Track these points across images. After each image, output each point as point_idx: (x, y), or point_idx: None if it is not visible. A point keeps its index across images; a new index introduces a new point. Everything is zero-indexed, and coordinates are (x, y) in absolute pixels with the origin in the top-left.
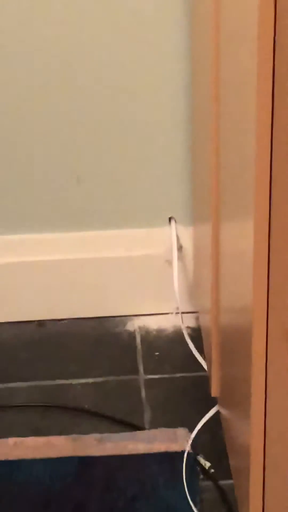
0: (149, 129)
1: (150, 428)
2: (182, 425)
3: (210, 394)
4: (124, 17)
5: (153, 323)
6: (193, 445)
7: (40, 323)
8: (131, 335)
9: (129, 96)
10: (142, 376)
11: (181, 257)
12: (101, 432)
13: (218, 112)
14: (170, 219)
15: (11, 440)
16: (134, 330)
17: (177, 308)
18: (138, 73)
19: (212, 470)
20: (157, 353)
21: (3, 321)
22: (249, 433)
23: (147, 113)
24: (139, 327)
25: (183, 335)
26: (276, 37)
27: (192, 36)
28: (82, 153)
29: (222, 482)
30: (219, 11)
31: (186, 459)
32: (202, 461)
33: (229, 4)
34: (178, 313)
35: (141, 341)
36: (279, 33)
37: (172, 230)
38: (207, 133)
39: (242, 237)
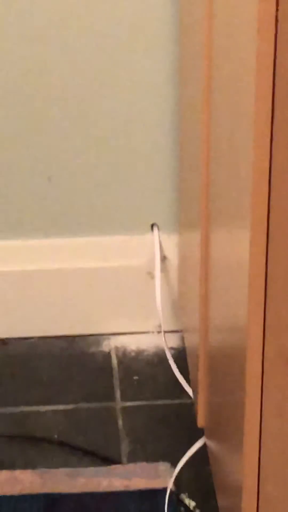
0: (130, 124)
1: (127, 462)
2: (164, 459)
3: (196, 424)
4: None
5: (131, 343)
6: (176, 482)
7: (3, 341)
8: (107, 356)
9: (109, 91)
10: (119, 403)
11: (164, 269)
12: (72, 466)
13: (210, 102)
14: (152, 225)
15: None
16: (110, 351)
17: (159, 326)
18: (119, 66)
19: (198, 511)
20: (136, 377)
21: None
22: (241, 469)
23: (128, 107)
24: (116, 347)
25: (166, 356)
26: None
27: (181, 36)
28: (54, 149)
29: None
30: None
31: (169, 498)
32: (187, 500)
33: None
34: (160, 332)
35: (118, 363)
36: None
37: (155, 238)
38: (197, 128)
39: (237, 245)
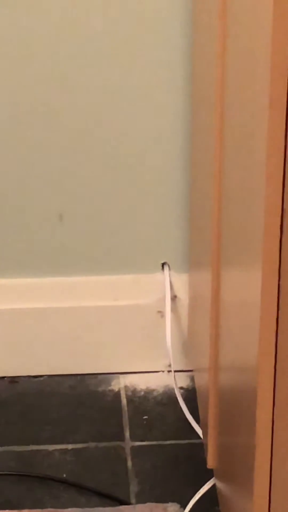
0: (142, 163)
1: (136, 502)
2: (173, 500)
3: (205, 465)
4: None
5: (141, 382)
6: None
7: (13, 380)
8: (116, 395)
9: (120, 127)
10: (128, 443)
11: (174, 308)
12: (81, 506)
13: (222, 143)
14: (163, 264)
15: None
16: (120, 390)
17: (169, 366)
18: (132, 103)
19: None
20: (145, 417)
21: None
22: (251, 511)
23: (141, 146)
24: (126, 387)
25: (176, 396)
26: None
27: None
28: (65, 188)
29: None
30: (226, 22)
31: None
32: None
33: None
34: (170, 371)
35: (128, 402)
36: None
37: (166, 277)
38: (208, 167)
39: (248, 285)
